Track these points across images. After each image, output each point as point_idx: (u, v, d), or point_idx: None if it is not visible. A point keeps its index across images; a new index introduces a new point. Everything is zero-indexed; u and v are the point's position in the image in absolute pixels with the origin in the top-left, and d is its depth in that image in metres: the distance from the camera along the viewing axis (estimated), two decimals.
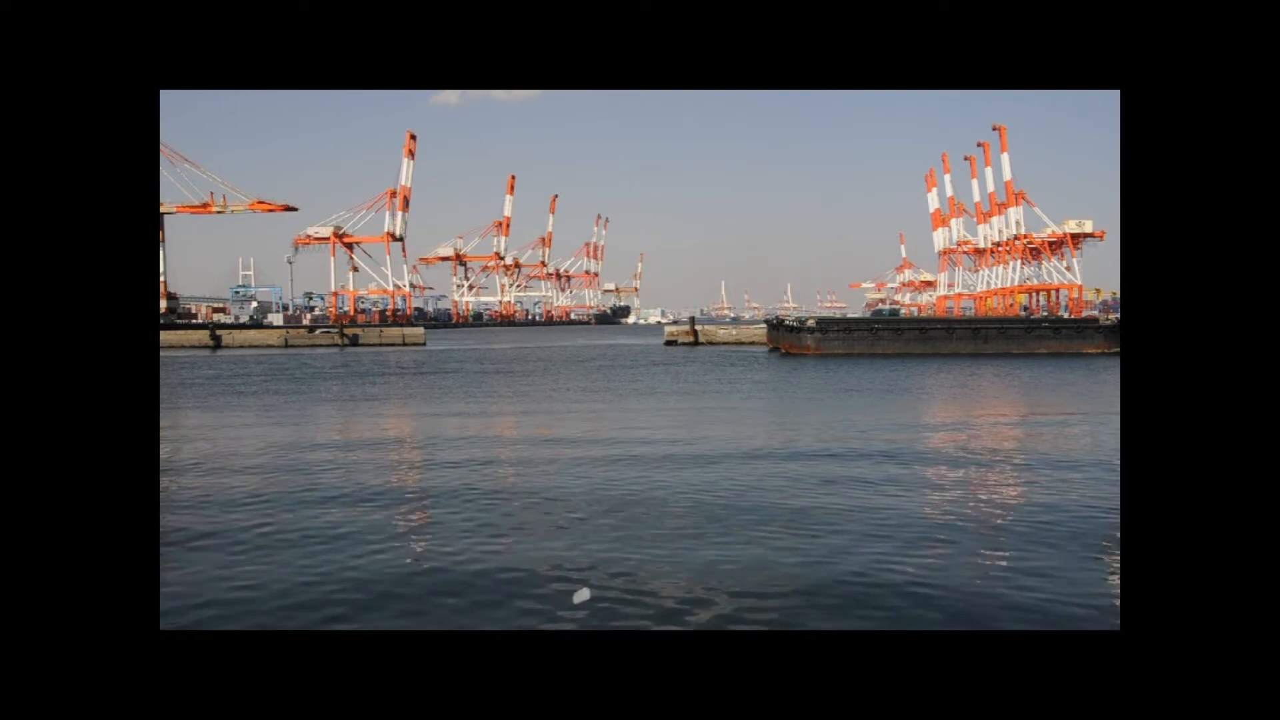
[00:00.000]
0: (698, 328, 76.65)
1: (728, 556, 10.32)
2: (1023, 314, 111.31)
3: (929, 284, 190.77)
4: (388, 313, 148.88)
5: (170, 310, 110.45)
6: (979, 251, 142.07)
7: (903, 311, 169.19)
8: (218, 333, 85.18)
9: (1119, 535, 7.95)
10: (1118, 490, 7.19)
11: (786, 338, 60.09)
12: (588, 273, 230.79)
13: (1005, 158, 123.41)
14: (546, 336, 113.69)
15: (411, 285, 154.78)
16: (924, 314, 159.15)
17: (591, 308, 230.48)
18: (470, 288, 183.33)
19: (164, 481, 15.04)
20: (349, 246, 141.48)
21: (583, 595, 8.81)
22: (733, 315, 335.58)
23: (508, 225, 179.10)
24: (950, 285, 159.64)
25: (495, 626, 8.18)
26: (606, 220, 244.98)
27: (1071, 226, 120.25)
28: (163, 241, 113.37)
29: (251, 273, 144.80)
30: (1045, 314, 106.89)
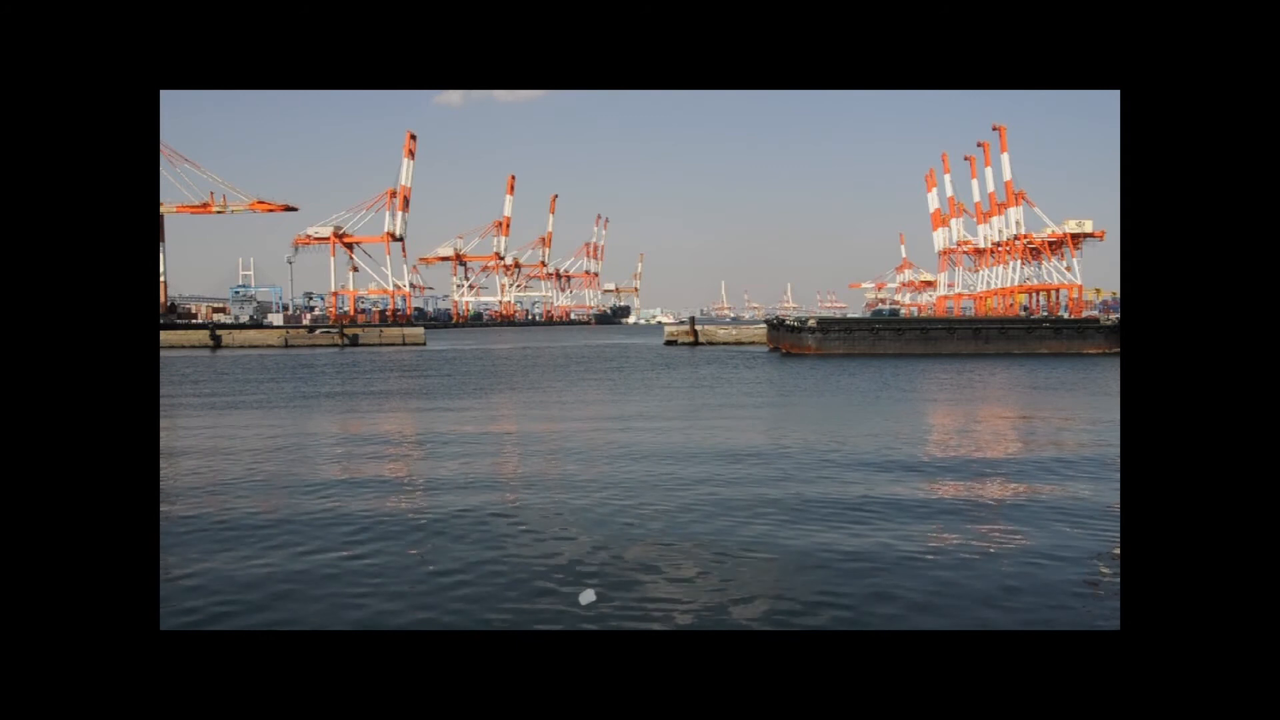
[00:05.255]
0: (698, 328, 76.61)
1: (733, 557, 10.32)
2: (1023, 314, 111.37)
3: (929, 284, 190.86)
4: (388, 313, 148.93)
5: (170, 309, 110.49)
6: (979, 251, 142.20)
7: (903, 311, 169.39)
8: (218, 333, 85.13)
9: (1119, 535, 7.96)
10: (1118, 490, 7.19)
11: (787, 338, 60.08)
12: (588, 273, 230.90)
13: (1005, 158, 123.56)
14: (547, 336, 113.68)
15: (411, 285, 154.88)
16: (924, 314, 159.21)
17: (591, 308, 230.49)
18: (470, 288, 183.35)
19: (164, 481, 15.04)
20: (349, 246, 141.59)
21: (588, 597, 8.80)
22: (733, 315, 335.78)
23: (508, 225, 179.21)
24: (950, 285, 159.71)
25: (497, 627, 8.17)
26: (606, 220, 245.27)
27: (1071, 226, 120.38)
28: (163, 241, 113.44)
29: (251, 273, 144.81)
30: (1045, 314, 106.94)
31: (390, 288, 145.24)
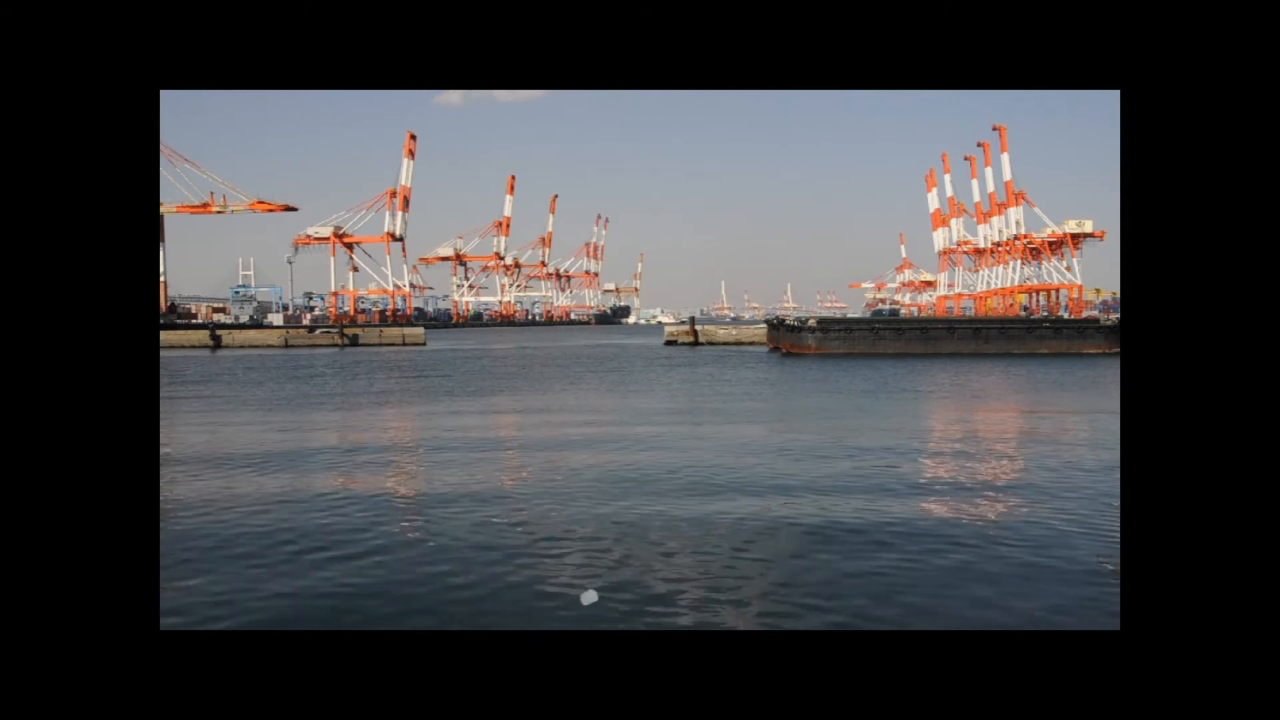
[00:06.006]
0: (698, 328, 76.60)
1: (734, 557, 10.32)
2: (1023, 314, 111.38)
3: (929, 284, 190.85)
4: (388, 313, 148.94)
5: (170, 309, 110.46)
6: (979, 251, 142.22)
7: (903, 311, 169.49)
8: (218, 333, 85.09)
9: (1119, 535, 7.97)
10: (1118, 490, 7.19)
11: (787, 337, 60.08)
12: (588, 273, 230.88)
13: (1005, 158, 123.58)
14: (547, 336, 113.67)
15: (411, 285, 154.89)
16: (924, 314, 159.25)
17: (591, 308, 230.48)
18: (470, 288, 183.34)
19: (164, 482, 15.03)
20: (349, 246, 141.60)
21: (590, 597, 8.79)
22: (733, 315, 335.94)
23: (508, 225, 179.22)
24: (950, 285, 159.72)
25: (498, 627, 8.17)
26: (606, 220, 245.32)
27: (1071, 226, 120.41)
28: (163, 241, 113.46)
29: (251, 273, 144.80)
30: (1045, 314, 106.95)
31: (390, 288, 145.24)
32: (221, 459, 17.84)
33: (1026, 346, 56.05)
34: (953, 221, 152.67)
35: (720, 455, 17.75)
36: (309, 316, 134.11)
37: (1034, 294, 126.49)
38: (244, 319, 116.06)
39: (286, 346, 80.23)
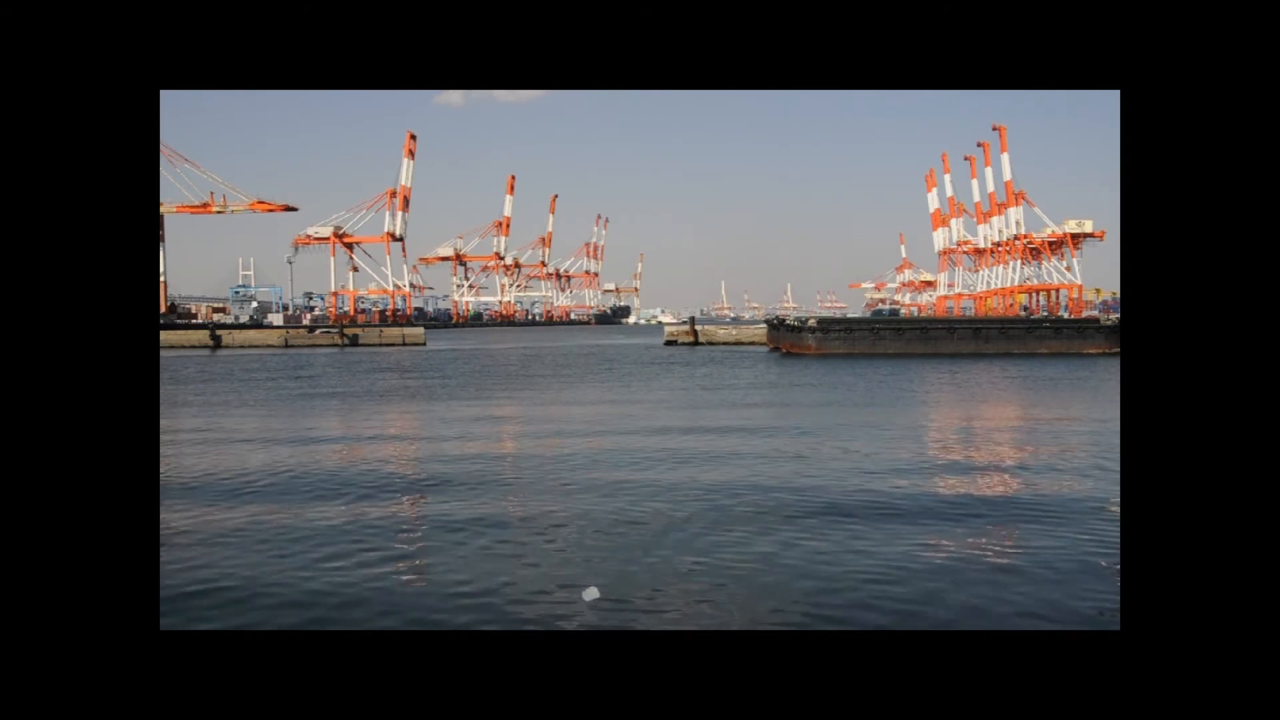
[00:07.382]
0: (698, 328, 76.61)
1: (736, 556, 10.32)
2: (1023, 314, 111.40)
3: (929, 284, 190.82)
4: (388, 313, 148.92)
5: (170, 309, 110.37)
6: (979, 251, 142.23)
7: (903, 311, 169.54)
8: (218, 333, 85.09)
9: (1119, 535, 7.97)
10: (1118, 490, 7.19)
11: (788, 337, 60.08)
12: (588, 273, 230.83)
13: (1005, 158, 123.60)
14: (547, 336, 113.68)
15: (411, 285, 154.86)
16: (924, 314, 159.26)
17: (591, 308, 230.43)
18: (470, 288, 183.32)
19: (164, 481, 15.03)
20: (349, 246, 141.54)
21: (591, 594, 8.79)
22: (733, 315, 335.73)
23: (508, 225, 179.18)
24: (950, 285, 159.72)
25: (500, 626, 8.17)
26: (606, 220, 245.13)
27: (1071, 226, 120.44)
28: (163, 241, 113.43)
29: (251, 273, 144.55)
30: (1045, 314, 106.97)
31: (390, 288, 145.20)
32: (221, 458, 17.83)
33: (1026, 346, 56.05)
34: (953, 221, 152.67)
35: (720, 456, 17.74)
36: (309, 316, 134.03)
37: (1034, 294, 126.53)
38: (244, 319, 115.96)
39: (286, 346, 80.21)
